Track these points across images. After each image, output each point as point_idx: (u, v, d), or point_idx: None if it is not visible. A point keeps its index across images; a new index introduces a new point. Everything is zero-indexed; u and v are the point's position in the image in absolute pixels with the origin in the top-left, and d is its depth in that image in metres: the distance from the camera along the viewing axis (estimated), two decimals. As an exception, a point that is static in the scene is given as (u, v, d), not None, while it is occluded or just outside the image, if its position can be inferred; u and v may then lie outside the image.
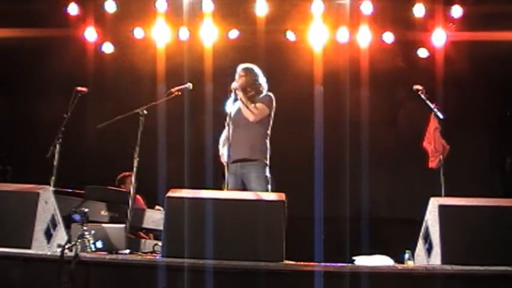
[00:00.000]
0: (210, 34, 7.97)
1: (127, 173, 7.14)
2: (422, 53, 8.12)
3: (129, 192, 5.48)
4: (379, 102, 7.98)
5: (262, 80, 5.61)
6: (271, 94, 5.57)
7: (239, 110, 5.42)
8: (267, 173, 5.34)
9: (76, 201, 6.03)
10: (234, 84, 5.39)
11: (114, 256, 4.35)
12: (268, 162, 5.40)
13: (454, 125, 6.08)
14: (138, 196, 6.74)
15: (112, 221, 5.98)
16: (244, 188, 5.29)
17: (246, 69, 5.57)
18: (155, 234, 6.73)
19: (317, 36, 7.90)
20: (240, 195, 4.54)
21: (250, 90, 5.50)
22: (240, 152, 5.33)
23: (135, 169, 5.19)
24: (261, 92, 5.55)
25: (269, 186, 5.29)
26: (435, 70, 7.65)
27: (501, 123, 8.19)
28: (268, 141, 5.48)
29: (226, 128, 5.27)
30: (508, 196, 6.88)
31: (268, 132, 5.50)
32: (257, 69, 5.63)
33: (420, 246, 4.44)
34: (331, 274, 3.83)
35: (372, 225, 7.12)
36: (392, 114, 8.23)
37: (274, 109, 5.53)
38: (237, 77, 5.54)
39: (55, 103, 6.20)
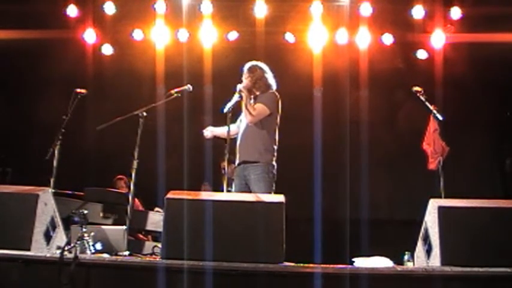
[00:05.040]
0: (209, 36, 7.99)
1: (119, 176, 7.16)
2: (422, 54, 8.14)
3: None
4: (379, 103, 7.99)
5: (269, 76, 5.52)
6: (274, 93, 5.47)
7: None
8: (270, 175, 5.23)
9: (75, 202, 6.03)
10: (239, 86, 5.37)
11: (113, 258, 4.35)
12: (273, 163, 5.29)
13: (453, 126, 6.09)
14: (135, 199, 6.73)
15: (111, 223, 6.00)
16: (249, 191, 5.24)
17: (250, 69, 5.50)
18: (154, 235, 6.73)
19: (316, 38, 7.91)
20: (240, 197, 4.54)
21: (256, 90, 5.46)
22: (242, 154, 5.34)
23: (134, 171, 5.18)
24: (267, 91, 5.47)
25: (272, 189, 5.20)
26: (434, 71, 7.67)
27: (500, 124, 8.21)
28: (273, 143, 5.36)
29: (226, 128, 5.23)
30: (507, 197, 6.89)
31: (274, 133, 5.38)
32: (263, 67, 5.54)
33: (420, 247, 4.44)
34: (330, 276, 3.82)
35: (371, 226, 7.12)
36: (392, 116, 8.24)
37: (279, 108, 5.42)
38: (243, 77, 5.50)
39: (54, 105, 6.19)
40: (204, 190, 7.28)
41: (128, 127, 5.32)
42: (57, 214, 4.54)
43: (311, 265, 4.06)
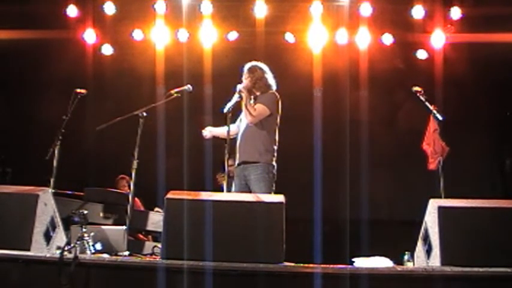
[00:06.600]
0: (209, 36, 7.99)
1: (121, 176, 7.15)
2: (422, 54, 8.14)
3: (126, 194, 5.49)
4: (379, 103, 7.99)
5: (269, 77, 5.51)
6: (274, 93, 5.46)
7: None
8: (270, 175, 5.22)
9: (75, 202, 6.03)
10: (239, 86, 5.37)
11: (113, 258, 4.35)
12: (273, 164, 5.28)
13: (453, 126, 6.09)
14: (136, 199, 6.74)
15: (112, 223, 6.00)
16: (249, 191, 5.24)
17: (250, 69, 5.50)
18: (154, 235, 6.73)
19: (316, 38, 7.91)
20: (240, 197, 4.54)
21: (256, 90, 5.46)
22: (242, 154, 5.34)
23: (134, 171, 5.18)
24: (267, 91, 5.47)
25: (272, 189, 5.20)
26: (434, 72, 7.67)
27: (500, 124, 8.21)
28: (273, 143, 5.35)
29: (225, 128, 5.23)
30: (507, 197, 6.89)
31: (274, 133, 5.37)
32: (263, 67, 5.54)
33: (420, 247, 4.44)
34: (330, 276, 3.82)
35: (371, 226, 7.12)
36: (392, 116, 8.24)
37: (279, 109, 5.42)
38: (243, 77, 5.50)
39: (54, 105, 6.20)
40: (220, 180, 7.07)
41: (128, 127, 5.33)
42: (57, 214, 4.54)
43: (311, 265, 4.05)
